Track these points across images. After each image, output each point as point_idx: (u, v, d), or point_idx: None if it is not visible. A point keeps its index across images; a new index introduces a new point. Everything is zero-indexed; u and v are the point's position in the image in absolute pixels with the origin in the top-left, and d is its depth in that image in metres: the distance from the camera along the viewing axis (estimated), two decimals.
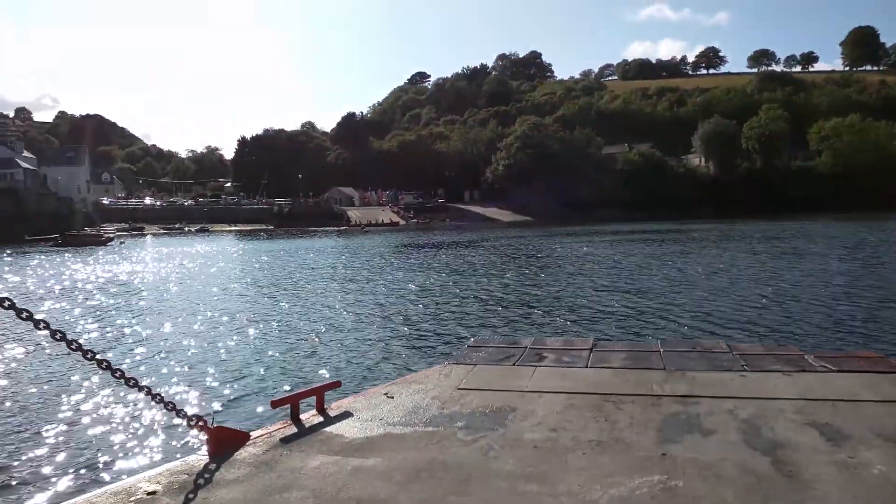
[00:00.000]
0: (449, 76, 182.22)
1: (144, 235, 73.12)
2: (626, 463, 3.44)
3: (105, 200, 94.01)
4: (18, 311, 3.08)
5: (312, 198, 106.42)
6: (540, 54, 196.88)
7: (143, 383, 3.66)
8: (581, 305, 17.48)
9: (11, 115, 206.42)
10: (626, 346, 6.71)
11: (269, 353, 12.46)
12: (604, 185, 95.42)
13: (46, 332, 3.22)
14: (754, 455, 3.50)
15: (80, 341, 3.40)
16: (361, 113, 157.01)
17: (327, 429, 4.11)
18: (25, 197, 66.83)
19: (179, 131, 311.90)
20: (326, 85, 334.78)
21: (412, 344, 12.88)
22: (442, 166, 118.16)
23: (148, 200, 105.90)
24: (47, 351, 12.80)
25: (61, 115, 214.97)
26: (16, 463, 7.18)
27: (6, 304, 3.02)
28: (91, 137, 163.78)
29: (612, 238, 48.10)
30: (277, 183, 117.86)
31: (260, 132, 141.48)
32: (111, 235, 60.88)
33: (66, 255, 43.51)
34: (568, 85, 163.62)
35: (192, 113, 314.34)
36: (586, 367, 5.58)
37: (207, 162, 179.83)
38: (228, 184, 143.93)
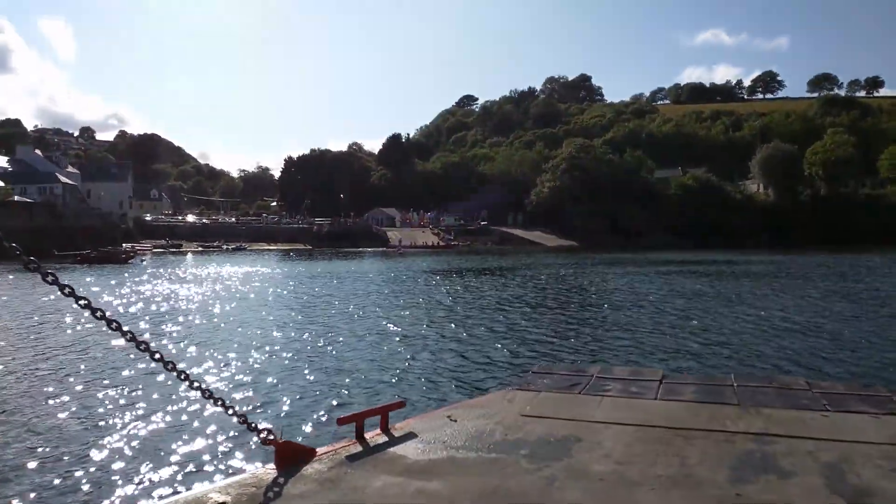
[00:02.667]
0: (496, 99, 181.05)
1: (184, 253, 72.58)
2: (697, 501, 3.34)
3: (147, 217, 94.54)
4: (94, 312, 3.18)
5: (353, 217, 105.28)
6: (590, 77, 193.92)
7: (217, 395, 3.72)
8: (642, 337, 16.46)
9: (76, 133, 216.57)
10: (697, 379, 6.32)
11: (333, 371, 12.45)
12: (654, 211, 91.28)
13: (126, 339, 3.29)
14: (837, 502, 3.29)
15: (160, 351, 3.46)
16: (408, 135, 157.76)
17: (391, 449, 4.10)
18: (63, 212, 67.02)
19: (235, 152, 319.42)
20: (376, 107, 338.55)
21: (472, 368, 12.68)
22: (486, 188, 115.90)
23: (190, 218, 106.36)
24: (118, 356, 13.33)
25: (121, 134, 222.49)
26: (90, 468, 7.28)
27: (81, 303, 3.10)
28: (146, 156, 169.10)
29: (666, 267, 45.12)
30: (321, 202, 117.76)
31: (307, 152, 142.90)
32: (132, 253, 59.87)
33: (80, 273, 42.35)
34: (618, 108, 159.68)
35: (248, 134, 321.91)
36: (655, 398, 5.37)
37: (256, 181, 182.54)
38: (274, 203, 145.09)
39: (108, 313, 3.25)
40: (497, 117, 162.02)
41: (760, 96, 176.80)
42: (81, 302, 3.13)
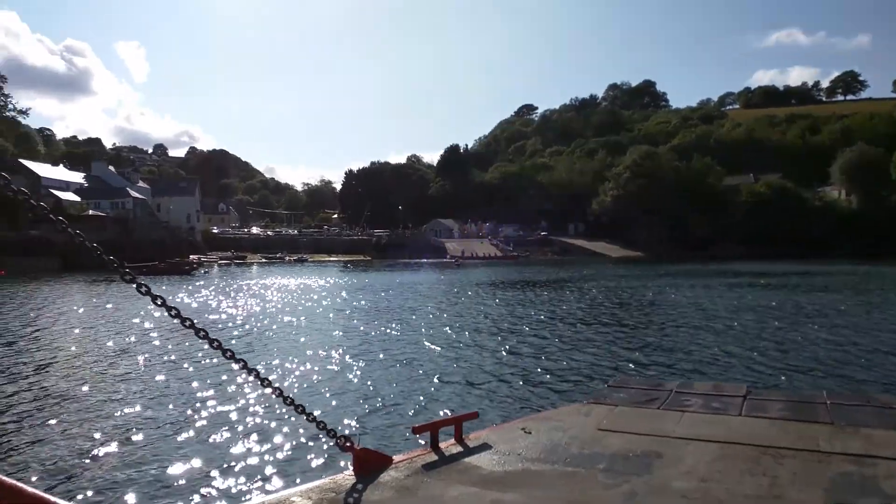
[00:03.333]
0: (556, 108, 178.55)
1: (248, 264, 73.85)
2: None
3: (214, 230, 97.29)
4: (183, 321, 3.26)
5: (412, 228, 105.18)
6: (654, 83, 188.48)
7: (297, 402, 3.77)
8: (717, 352, 15.45)
9: (150, 150, 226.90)
10: (784, 396, 5.97)
11: (404, 381, 12.41)
12: (724, 219, 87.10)
13: (213, 347, 3.36)
14: None
15: (242, 357, 3.49)
16: (466, 145, 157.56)
17: (466, 459, 4.10)
18: (134, 225, 69.34)
19: (299, 166, 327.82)
20: (435, 120, 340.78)
21: (543, 380, 12.34)
22: (545, 198, 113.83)
23: (254, 230, 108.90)
24: (201, 362, 13.79)
25: (191, 151, 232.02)
26: (171, 471, 7.43)
27: (172, 312, 3.19)
28: (214, 171, 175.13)
29: (738, 278, 42.33)
30: (380, 214, 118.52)
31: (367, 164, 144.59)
32: (197, 264, 61.08)
33: (148, 283, 43.08)
34: (684, 114, 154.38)
35: (313, 149, 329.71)
36: (739, 415, 5.08)
37: (319, 194, 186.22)
38: (336, 215, 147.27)
39: (195, 321, 3.30)
40: (557, 126, 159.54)
41: (841, 98, 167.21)
42: (172, 311, 3.20)
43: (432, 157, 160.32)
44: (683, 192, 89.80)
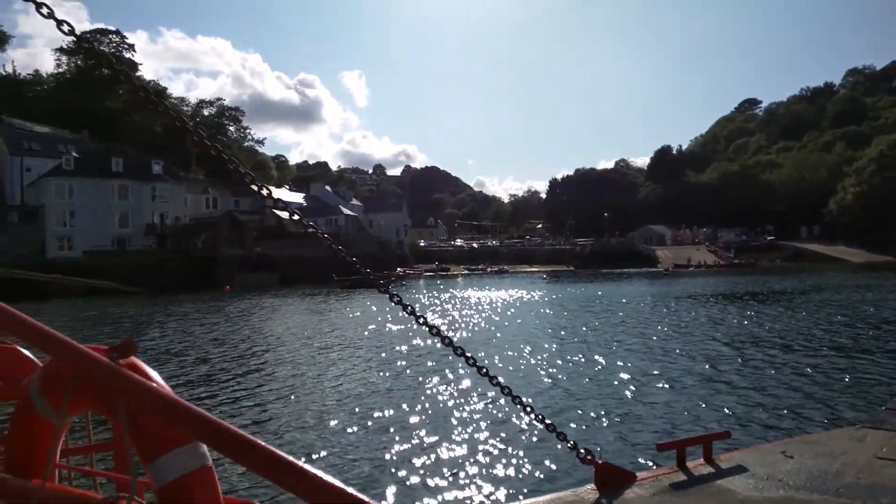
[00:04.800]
0: (783, 100, 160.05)
1: (452, 276, 76.12)
2: None
3: (421, 243, 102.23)
4: (431, 329, 3.33)
5: (618, 236, 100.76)
6: None
7: (537, 409, 3.78)
8: None
9: (370, 171, 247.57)
10: None
11: (645, 395, 11.88)
12: None
13: (456, 354, 3.39)
14: None
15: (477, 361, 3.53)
16: (679, 146, 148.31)
17: (718, 482, 3.83)
18: (345, 241, 74.97)
19: (508, 178, 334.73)
20: (645, 122, 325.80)
21: (801, 400, 11.29)
22: (771, 199, 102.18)
23: (458, 242, 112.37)
24: (436, 370, 14.37)
25: (406, 169, 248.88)
26: (412, 474, 7.66)
27: (408, 309, 3.26)
28: (426, 187, 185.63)
29: None
30: (585, 222, 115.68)
31: (571, 172, 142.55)
32: (402, 277, 63.94)
33: (358, 294, 45.84)
34: None
35: (521, 161, 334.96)
36: None
37: (525, 204, 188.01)
38: (539, 225, 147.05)
39: (443, 332, 3.36)
40: (785, 120, 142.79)
41: None
42: (420, 319, 3.31)
43: (642, 161, 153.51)
44: None
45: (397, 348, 18.14)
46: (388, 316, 27.77)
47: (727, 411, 10.59)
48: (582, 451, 3.72)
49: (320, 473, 1.45)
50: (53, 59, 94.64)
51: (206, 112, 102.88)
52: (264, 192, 2.71)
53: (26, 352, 2.96)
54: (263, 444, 1.50)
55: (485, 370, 3.50)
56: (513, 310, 31.10)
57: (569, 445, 3.73)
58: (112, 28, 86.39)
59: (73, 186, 64.25)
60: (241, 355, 17.92)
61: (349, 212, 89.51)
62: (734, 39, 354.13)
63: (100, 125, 78.99)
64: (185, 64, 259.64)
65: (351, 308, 33.64)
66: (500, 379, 3.57)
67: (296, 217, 2.86)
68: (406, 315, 3.19)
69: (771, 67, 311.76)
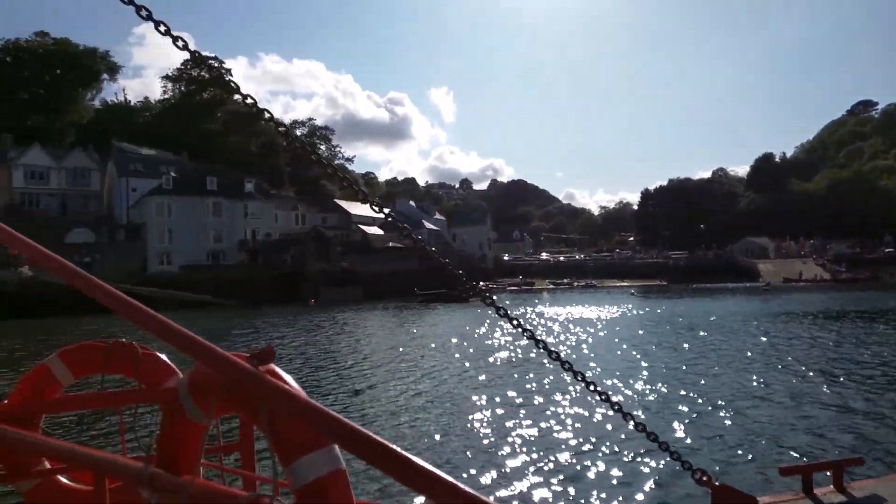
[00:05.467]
0: None
1: (537, 291, 74.26)
2: None
3: (506, 257, 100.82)
4: (537, 343, 3.34)
5: (714, 249, 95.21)
6: None
7: (649, 428, 3.72)
8: None
9: (457, 185, 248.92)
10: None
11: (766, 416, 11.25)
12: None
13: (564, 368, 3.40)
14: None
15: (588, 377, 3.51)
16: (783, 154, 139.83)
17: None
18: (426, 255, 74.76)
19: (598, 190, 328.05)
20: (745, 128, 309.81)
21: None
22: (890, 208, 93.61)
23: (543, 255, 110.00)
24: (539, 386, 13.91)
25: (492, 183, 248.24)
26: (523, 492, 7.54)
27: (527, 334, 3.32)
28: (513, 200, 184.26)
29: None
30: (679, 234, 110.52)
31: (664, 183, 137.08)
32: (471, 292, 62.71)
33: (442, 308, 45.23)
34: None
35: (609, 172, 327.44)
36: None
37: (615, 216, 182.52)
38: (631, 238, 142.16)
39: (550, 347, 3.36)
40: None
41: None
42: (526, 333, 3.33)
43: (742, 170, 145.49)
44: None
45: (490, 360, 18.49)
46: (478, 329, 28.16)
47: (854, 436, 9.77)
48: (697, 471, 3.57)
49: (451, 478, 1.46)
50: (160, 86, 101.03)
51: (298, 132, 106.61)
52: (374, 208, 3.04)
53: (164, 357, 3.19)
54: (397, 448, 1.53)
55: (593, 385, 3.43)
56: (602, 325, 29.81)
57: (682, 465, 3.60)
58: (211, 55, 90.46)
59: (171, 205, 67.61)
60: (344, 365, 18.46)
61: (432, 226, 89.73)
62: (844, 37, 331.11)
63: (198, 146, 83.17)
64: (281, 87, 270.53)
65: (434, 321, 34.10)
66: (610, 394, 3.42)
67: (405, 228, 3.07)
68: (507, 328, 2.45)
69: (887, 66, 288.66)
